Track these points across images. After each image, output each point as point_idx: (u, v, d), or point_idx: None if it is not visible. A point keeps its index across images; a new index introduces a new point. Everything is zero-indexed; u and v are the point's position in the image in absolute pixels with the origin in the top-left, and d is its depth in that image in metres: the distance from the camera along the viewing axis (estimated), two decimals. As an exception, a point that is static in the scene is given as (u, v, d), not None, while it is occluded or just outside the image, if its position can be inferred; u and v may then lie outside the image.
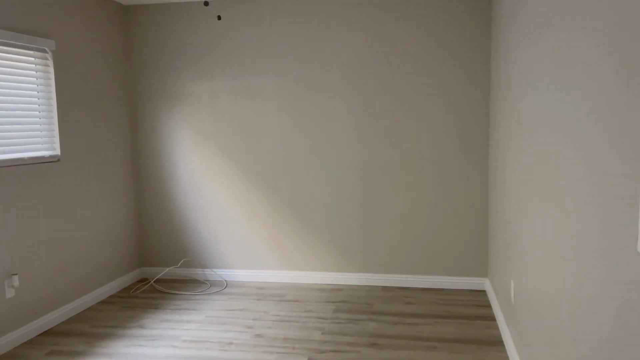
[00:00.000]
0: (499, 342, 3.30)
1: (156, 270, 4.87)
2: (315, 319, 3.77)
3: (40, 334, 3.59)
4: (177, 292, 4.45)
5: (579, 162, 1.66)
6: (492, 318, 3.71)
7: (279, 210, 4.58)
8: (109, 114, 4.41)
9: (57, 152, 3.81)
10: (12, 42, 3.37)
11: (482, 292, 4.26)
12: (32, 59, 3.60)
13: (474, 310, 3.86)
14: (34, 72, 3.62)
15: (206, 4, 2.45)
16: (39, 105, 3.65)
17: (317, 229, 4.54)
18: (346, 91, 4.35)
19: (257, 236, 4.65)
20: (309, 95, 4.42)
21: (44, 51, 3.70)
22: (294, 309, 3.98)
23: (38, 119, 3.65)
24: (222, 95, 4.57)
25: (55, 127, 3.80)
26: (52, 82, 3.77)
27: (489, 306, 3.94)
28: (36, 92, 3.63)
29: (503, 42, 3.40)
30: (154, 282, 4.75)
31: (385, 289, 4.39)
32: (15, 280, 3.38)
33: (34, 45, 3.56)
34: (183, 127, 4.68)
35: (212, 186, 4.68)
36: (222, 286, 4.57)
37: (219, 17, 2.60)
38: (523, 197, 2.67)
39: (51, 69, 3.75)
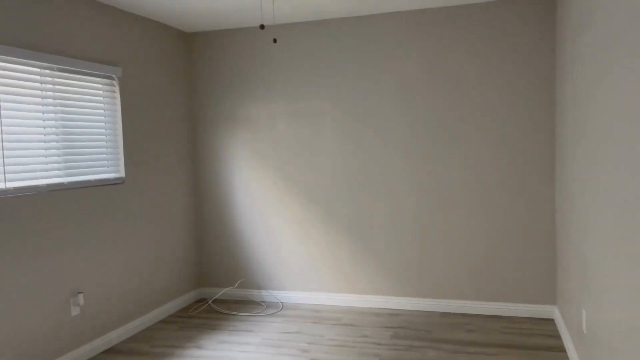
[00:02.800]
0: (570, 376, 3.08)
1: (214, 291, 4.93)
2: (372, 344, 3.66)
3: (103, 352, 3.69)
4: (233, 312, 4.47)
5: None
6: (562, 349, 3.47)
7: (336, 233, 4.54)
8: (171, 137, 4.55)
9: (122, 174, 3.95)
10: (82, 70, 3.56)
11: (550, 321, 4.01)
12: (100, 85, 3.78)
13: (541, 340, 3.63)
14: (102, 98, 3.79)
15: (262, 27, 2.48)
16: (105, 130, 3.82)
17: (374, 252, 4.45)
18: (403, 114, 4.28)
19: (313, 258, 4.62)
20: (366, 118, 4.39)
21: (112, 78, 3.87)
22: (350, 333, 3.89)
23: (105, 142, 3.81)
24: (279, 118, 4.62)
25: (121, 150, 3.95)
26: (119, 107, 3.93)
27: (558, 336, 3.70)
28: (103, 117, 3.80)
29: (571, 53, 3.25)
30: (212, 302, 4.80)
31: (443, 315, 4.22)
32: (81, 299, 3.49)
33: (102, 73, 3.74)
34: (242, 149, 4.75)
35: (270, 208, 4.71)
36: (278, 308, 4.55)
37: (275, 40, 2.64)
38: (595, 222, 2.50)
39: (117, 95, 3.92)
